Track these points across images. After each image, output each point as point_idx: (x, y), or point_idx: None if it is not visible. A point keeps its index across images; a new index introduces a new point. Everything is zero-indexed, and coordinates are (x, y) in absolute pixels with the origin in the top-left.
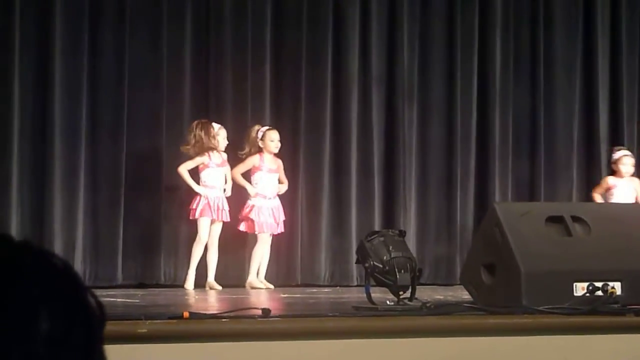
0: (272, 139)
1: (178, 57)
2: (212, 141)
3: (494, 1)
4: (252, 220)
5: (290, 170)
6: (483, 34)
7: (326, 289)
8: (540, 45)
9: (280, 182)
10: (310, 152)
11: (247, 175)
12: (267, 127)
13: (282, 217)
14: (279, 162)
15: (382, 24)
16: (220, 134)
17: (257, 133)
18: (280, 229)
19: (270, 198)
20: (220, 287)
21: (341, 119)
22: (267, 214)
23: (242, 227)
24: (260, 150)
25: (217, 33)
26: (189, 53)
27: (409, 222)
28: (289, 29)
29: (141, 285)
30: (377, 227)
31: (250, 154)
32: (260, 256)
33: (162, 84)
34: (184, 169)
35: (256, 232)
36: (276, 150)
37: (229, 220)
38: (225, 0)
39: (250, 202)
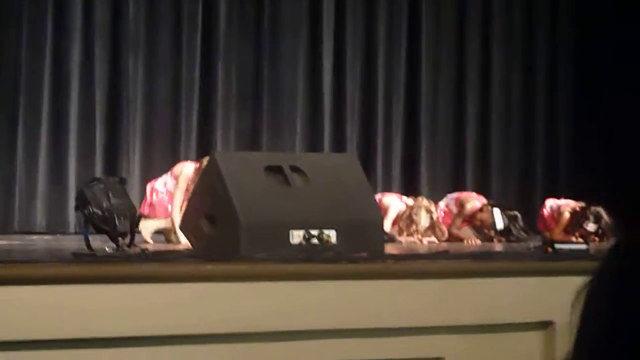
0: None
1: None
2: None
3: None
4: None
5: (6, 122)
6: None
7: (45, 237)
8: (264, 5)
9: None
10: (28, 103)
11: None
12: None
13: None
14: None
15: None
16: None
17: None
18: None
19: None
20: None
21: (62, 70)
22: None
23: None
24: None
25: None
26: None
27: (133, 171)
28: None
29: None
30: (98, 175)
31: None
32: None
33: None
34: None
35: None
36: None
37: None
38: None
39: None
